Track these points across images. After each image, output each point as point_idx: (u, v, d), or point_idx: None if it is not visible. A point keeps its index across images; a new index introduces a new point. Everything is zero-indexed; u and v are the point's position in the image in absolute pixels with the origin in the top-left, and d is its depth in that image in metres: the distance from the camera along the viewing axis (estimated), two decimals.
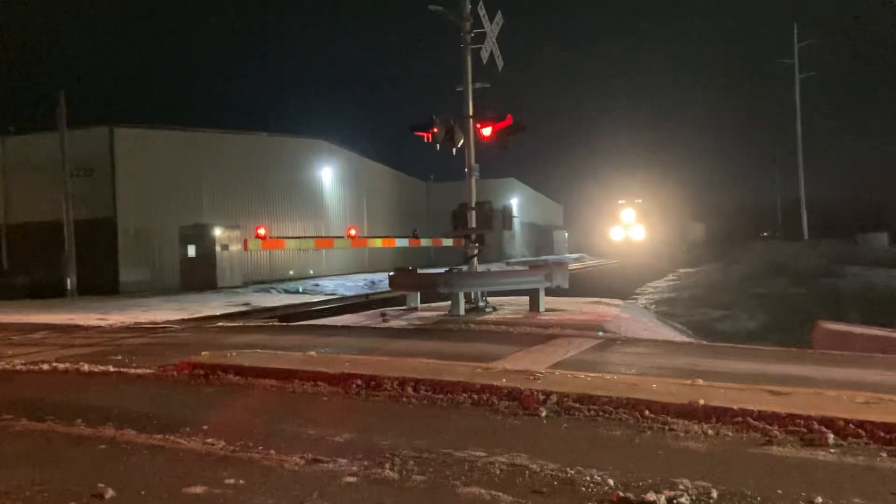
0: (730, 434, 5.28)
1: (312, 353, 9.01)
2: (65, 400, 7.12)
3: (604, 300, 16.72)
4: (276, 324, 14.63)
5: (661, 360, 8.63)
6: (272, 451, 5.12)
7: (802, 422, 5.26)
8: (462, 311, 14.14)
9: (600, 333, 11.38)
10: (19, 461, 5.13)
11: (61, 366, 8.95)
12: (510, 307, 15.00)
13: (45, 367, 8.99)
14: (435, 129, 14.87)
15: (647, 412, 5.77)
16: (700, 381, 6.57)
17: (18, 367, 9.08)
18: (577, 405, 6.04)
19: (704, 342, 12.78)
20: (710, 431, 5.34)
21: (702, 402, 5.71)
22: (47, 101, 27.58)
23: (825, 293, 24.70)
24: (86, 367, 8.77)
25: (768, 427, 5.27)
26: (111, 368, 8.69)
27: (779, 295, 25.01)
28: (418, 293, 15.84)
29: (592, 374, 7.04)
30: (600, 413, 5.88)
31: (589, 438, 5.33)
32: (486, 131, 15.54)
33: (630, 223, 62.52)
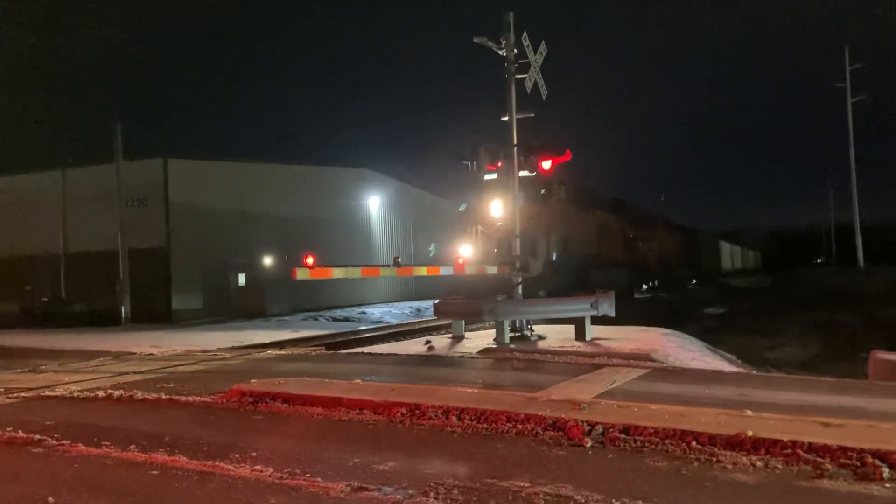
0: (779, 466, 5.19)
1: (358, 381, 9.11)
2: (119, 426, 7.32)
3: (651, 328, 16.53)
4: (323, 352, 14.79)
5: (709, 389, 8.50)
6: (318, 479, 5.19)
7: (855, 454, 5.15)
8: (507, 340, 14.12)
9: (647, 363, 11.25)
10: (76, 485, 5.29)
11: (116, 392, 9.19)
12: (556, 335, 14.93)
13: (101, 393, 9.23)
14: (479, 158, 15.00)
15: (693, 443, 5.70)
16: (749, 412, 6.47)
17: (76, 394, 9.34)
18: (623, 436, 6.00)
19: (754, 371, 12.54)
20: (758, 463, 5.25)
21: (750, 433, 5.62)
22: (104, 133, 28.56)
23: (882, 322, 24.01)
24: (139, 395, 8.99)
25: (819, 459, 5.17)
26: (163, 395, 8.90)
27: (832, 323, 24.39)
28: (463, 321, 15.88)
29: (639, 405, 6.98)
30: (646, 444, 5.83)
31: (635, 469, 5.29)
32: (546, 165, 15.65)
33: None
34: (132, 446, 6.30)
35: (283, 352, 14.65)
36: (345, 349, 15.70)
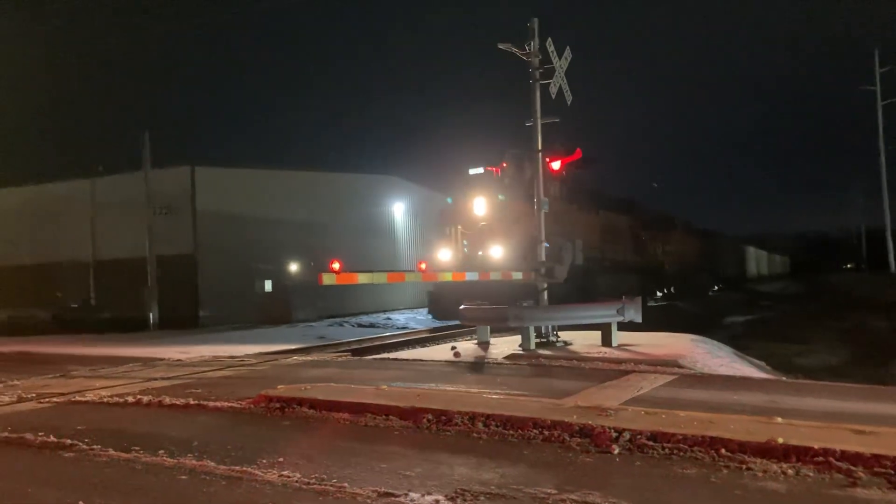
0: (811, 474, 5.11)
1: (384, 386, 9.12)
2: (148, 431, 7.39)
3: (678, 334, 16.37)
4: (349, 358, 14.84)
5: (737, 396, 8.41)
6: (345, 485, 5.20)
7: (889, 463, 5.07)
8: (533, 346, 14.07)
9: (675, 369, 11.16)
10: (107, 490, 5.35)
11: (145, 398, 9.28)
12: (581, 341, 14.85)
13: (130, 399, 9.33)
14: (504, 164, 15.00)
15: (723, 450, 5.64)
16: (779, 419, 6.39)
17: (105, 399, 9.45)
18: (651, 443, 5.95)
19: (784, 378, 12.38)
20: (789, 471, 5.18)
21: (780, 440, 5.55)
22: (132, 141, 28.93)
23: None
24: (168, 400, 9.08)
25: (852, 468, 5.09)
26: (191, 401, 8.97)
27: (863, 329, 24.02)
28: (488, 327, 15.84)
29: (666, 411, 6.92)
30: (675, 451, 5.78)
31: (663, 477, 5.24)
32: (556, 165, 15.58)
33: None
34: (161, 451, 6.36)
35: (309, 357, 14.72)
36: (371, 355, 15.73)
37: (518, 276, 16.06)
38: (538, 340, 14.48)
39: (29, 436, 7.11)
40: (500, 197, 20.02)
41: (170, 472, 5.74)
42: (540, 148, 15.35)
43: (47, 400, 9.61)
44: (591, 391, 8.87)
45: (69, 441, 6.84)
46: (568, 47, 15.21)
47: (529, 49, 15.12)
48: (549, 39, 14.94)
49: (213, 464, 5.90)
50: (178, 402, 8.93)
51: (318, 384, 9.51)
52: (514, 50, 14.95)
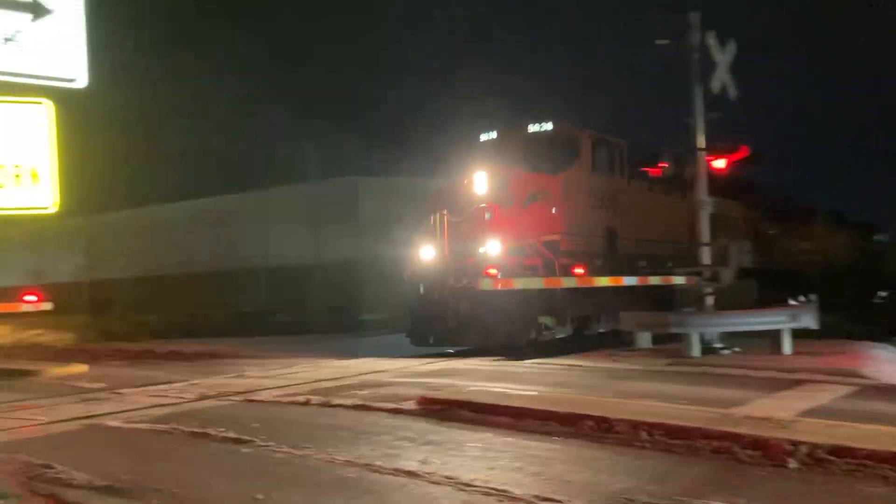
0: None
1: (544, 391, 9.07)
2: (318, 430, 7.75)
3: (856, 342, 15.19)
4: (504, 361, 14.82)
5: None
6: (507, 489, 5.21)
7: None
8: (696, 353, 13.50)
9: (855, 379, 10.35)
10: (280, 484, 5.67)
11: (314, 398, 9.74)
12: (748, 349, 14.09)
13: (300, 398, 9.82)
14: (664, 164, 14.52)
15: None
16: None
17: (278, 399, 10.01)
18: (832, 458, 5.54)
19: None
20: None
21: None
22: (301, 154, 30.59)
23: None
24: (334, 401, 9.48)
25: None
26: (357, 402, 9.33)
27: None
28: (649, 333, 15.36)
29: (849, 424, 6.43)
30: (859, 467, 5.35)
31: (847, 495, 4.87)
32: (720, 163, 14.90)
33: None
34: (330, 449, 6.64)
35: (481, 361, 14.84)
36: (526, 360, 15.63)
37: (680, 280, 15.44)
38: (702, 347, 13.87)
39: (212, 431, 7.65)
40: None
41: (341, 468, 5.98)
42: (702, 146, 14.73)
43: (226, 398, 10.30)
44: (762, 401, 8.41)
45: (246, 437, 7.29)
46: (732, 40, 14.51)
47: (687, 43, 14.54)
48: (711, 33, 14.33)
49: (379, 463, 6.10)
50: (346, 403, 9.30)
51: (475, 388, 9.61)
52: (673, 44, 14.41)
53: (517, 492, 5.11)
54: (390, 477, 5.67)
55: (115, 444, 7.58)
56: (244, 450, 6.93)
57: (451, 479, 5.53)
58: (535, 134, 15.61)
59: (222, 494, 5.57)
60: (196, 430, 7.80)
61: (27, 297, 14.72)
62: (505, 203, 14.62)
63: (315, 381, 11.84)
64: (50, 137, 3.91)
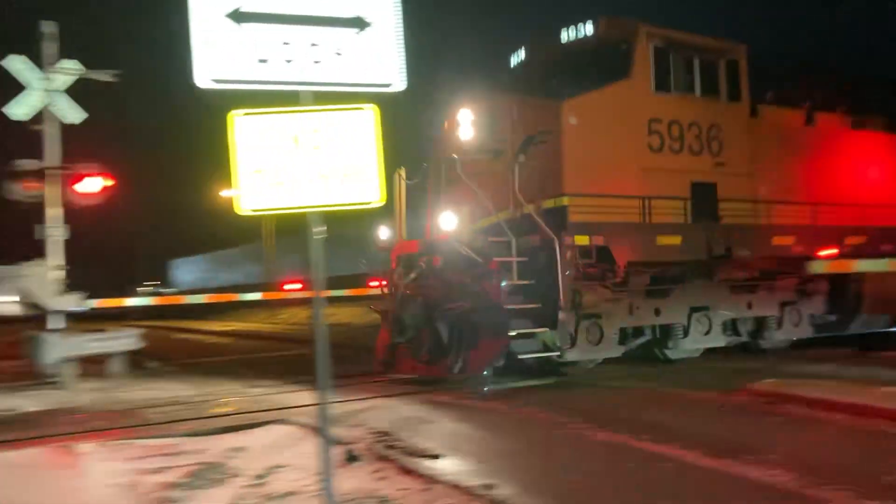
0: None
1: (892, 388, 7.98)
2: (632, 417, 7.66)
3: None
4: (848, 353, 13.20)
5: None
6: (844, 492, 4.68)
7: None
8: None
9: None
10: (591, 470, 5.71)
11: None
12: None
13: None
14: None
15: None
16: None
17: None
18: None
19: None
20: None
21: None
22: None
23: None
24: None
25: None
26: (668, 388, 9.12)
27: None
28: None
29: None
30: None
31: None
32: None
33: None
34: (645, 436, 6.50)
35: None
36: (879, 351, 13.69)
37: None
38: None
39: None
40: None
41: (653, 458, 5.85)
42: None
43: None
44: None
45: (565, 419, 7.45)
46: None
47: None
48: None
49: (697, 454, 5.83)
50: (667, 391, 9.10)
51: (808, 381, 8.77)
52: None
53: (860, 499, 4.57)
54: (703, 472, 5.41)
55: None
56: (558, 433, 7.09)
57: (772, 476, 5.11)
58: (570, 45, 10.76)
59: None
60: None
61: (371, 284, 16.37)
62: (489, 153, 10.13)
63: None
64: (376, 138, 4.30)
